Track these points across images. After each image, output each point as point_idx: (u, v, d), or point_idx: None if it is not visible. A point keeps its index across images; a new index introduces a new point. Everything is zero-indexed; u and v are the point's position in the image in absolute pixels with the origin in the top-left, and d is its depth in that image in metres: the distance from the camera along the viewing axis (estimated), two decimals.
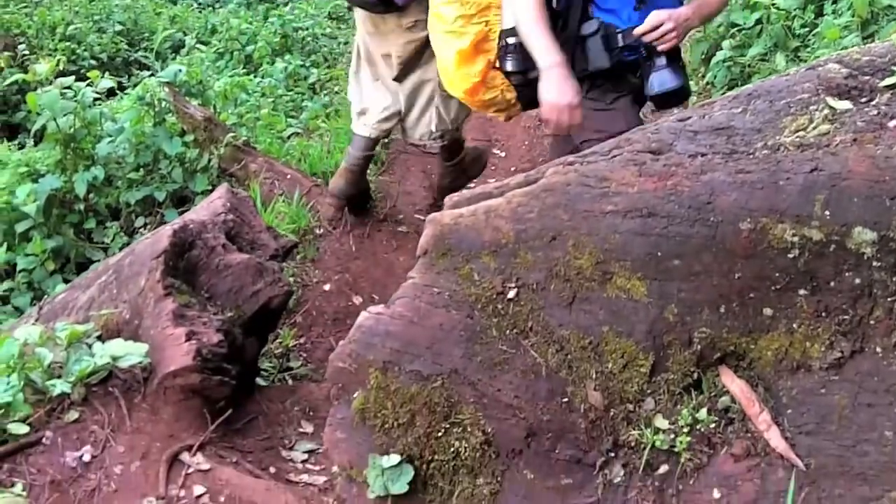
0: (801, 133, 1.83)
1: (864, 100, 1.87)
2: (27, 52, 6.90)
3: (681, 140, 1.93)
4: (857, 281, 1.71)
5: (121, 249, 3.57)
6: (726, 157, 1.83)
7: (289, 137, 5.15)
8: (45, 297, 2.94)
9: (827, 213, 1.69)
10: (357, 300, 3.69)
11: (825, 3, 4.72)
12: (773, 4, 4.89)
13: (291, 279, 3.51)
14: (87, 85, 4.14)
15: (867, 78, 1.92)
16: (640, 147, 1.94)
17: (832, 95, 1.89)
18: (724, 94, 3.95)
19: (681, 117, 2.03)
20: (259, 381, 2.65)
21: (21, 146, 5.29)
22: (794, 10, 4.87)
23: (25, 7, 7.74)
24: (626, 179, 1.86)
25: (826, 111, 1.85)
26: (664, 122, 2.03)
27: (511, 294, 1.88)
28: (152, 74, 6.43)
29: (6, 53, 6.71)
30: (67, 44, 7.06)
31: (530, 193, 1.93)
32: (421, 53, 3.79)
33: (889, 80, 1.87)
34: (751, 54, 4.90)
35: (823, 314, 1.74)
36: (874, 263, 1.69)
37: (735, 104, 1.99)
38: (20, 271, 3.77)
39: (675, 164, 1.85)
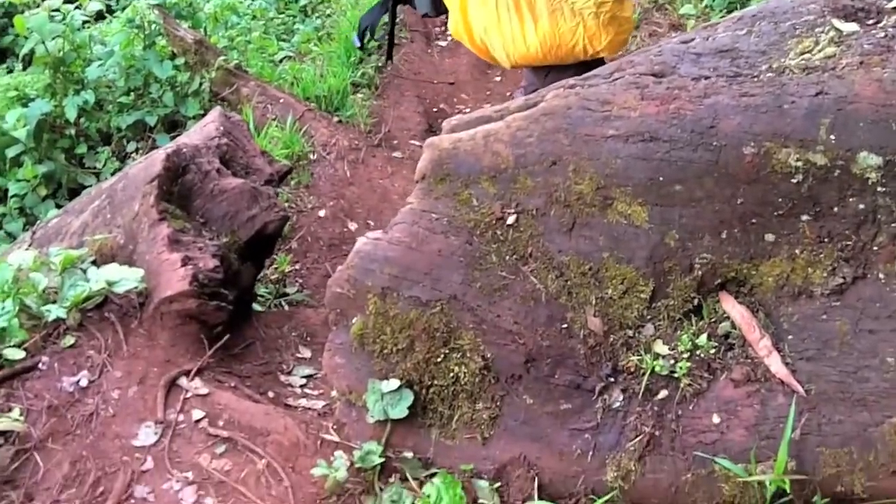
0: (806, 55, 1.79)
1: (870, 22, 1.84)
2: None
3: (684, 62, 1.89)
4: (861, 206, 1.69)
5: (112, 174, 3.53)
6: (730, 80, 1.80)
7: (280, 61, 5.07)
8: (38, 222, 2.91)
9: (832, 137, 1.67)
10: (352, 226, 3.66)
11: None
12: None
13: (286, 205, 3.49)
14: (76, 7, 4.07)
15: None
16: (643, 70, 1.91)
17: (838, 17, 1.85)
18: (723, 17, 3.88)
19: (684, 39, 1.99)
20: (255, 306, 2.64)
21: (10, 70, 5.21)
22: None
23: None
24: (627, 103, 1.83)
25: (832, 33, 1.82)
26: (667, 45, 1.99)
27: (510, 220, 1.86)
28: None
29: None
30: None
31: (530, 117, 1.90)
32: None
33: None
34: None
35: (826, 240, 1.72)
36: (879, 189, 1.67)
37: (739, 26, 1.95)
38: (12, 196, 3.74)
39: (678, 87, 1.82)
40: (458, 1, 2.67)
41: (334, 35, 5.44)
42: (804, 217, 1.72)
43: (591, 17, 2.51)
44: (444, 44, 6.10)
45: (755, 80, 1.78)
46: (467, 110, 4.89)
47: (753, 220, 1.75)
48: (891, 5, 1.84)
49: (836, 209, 1.71)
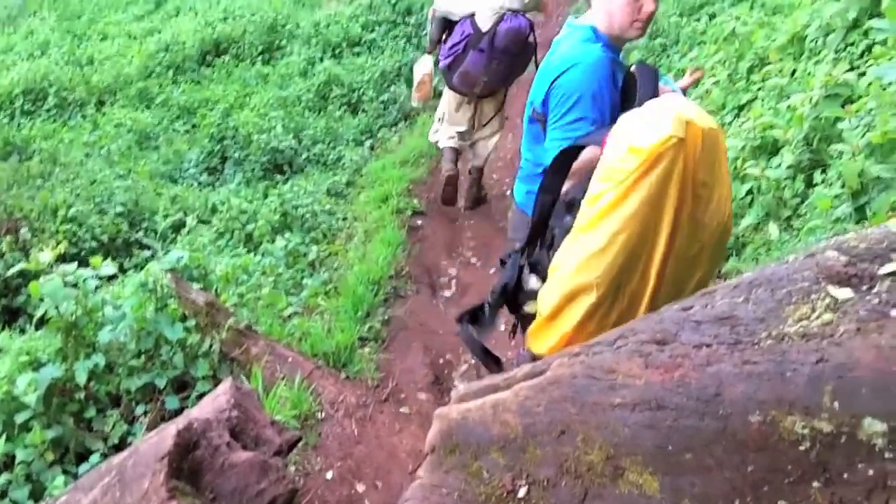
0: (804, 322, 1.84)
1: (864, 287, 1.89)
2: (29, 236, 7.00)
3: (685, 330, 1.94)
4: (871, 472, 1.68)
5: (120, 438, 3.53)
6: (731, 347, 1.84)
7: (289, 317, 5.17)
8: (45, 494, 2.89)
9: (836, 403, 1.68)
10: (360, 488, 3.62)
11: (814, 173, 4.83)
12: (764, 174, 5.00)
13: (293, 468, 3.46)
14: (89, 272, 4.19)
15: (866, 265, 1.94)
16: (645, 337, 1.95)
17: (833, 284, 1.91)
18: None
19: (683, 306, 2.04)
20: None
21: (22, 331, 5.31)
22: (784, 179, 4.98)
23: (28, 190, 7.90)
24: (632, 371, 1.86)
25: (828, 300, 1.87)
26: (667, 312, 2.04)
27: (521, 492, 1.85)
28: (153, 255, 6.52)
29: (8, 237, 6.81)
30: (69, 226, 7.16)
31: (537, 386, 1.92)
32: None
33: (888, 268, 1.90)
34: (744, 225, 4.99)
35: None
36: (886, 455, 1.67)
37: (736, 293, 2.01)
38: (19, 463, 3.71)
39: (681, 354, 1.86)
40: None
41: (341, 289, 5.58)
42: (815, 483, 1.71)
43: None
44: (448, 294, 6.23)
45: (756, 347, 1.81)
46: (473, 361, 4.95)
47: (765, 488, 1.73)
48: (883, 271, 1.90)
49: (845, 475, 1.70)
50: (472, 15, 6.33)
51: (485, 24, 6.27)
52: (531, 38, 6.33)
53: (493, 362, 2.94)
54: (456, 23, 6.50)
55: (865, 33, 5.21)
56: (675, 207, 2.51)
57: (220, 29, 12.90)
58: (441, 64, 6.82)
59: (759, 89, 6.05)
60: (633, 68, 2.91)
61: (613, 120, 2.94)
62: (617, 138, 2.57)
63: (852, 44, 5.36)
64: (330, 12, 12.73)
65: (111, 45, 13.81)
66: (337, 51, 11.75)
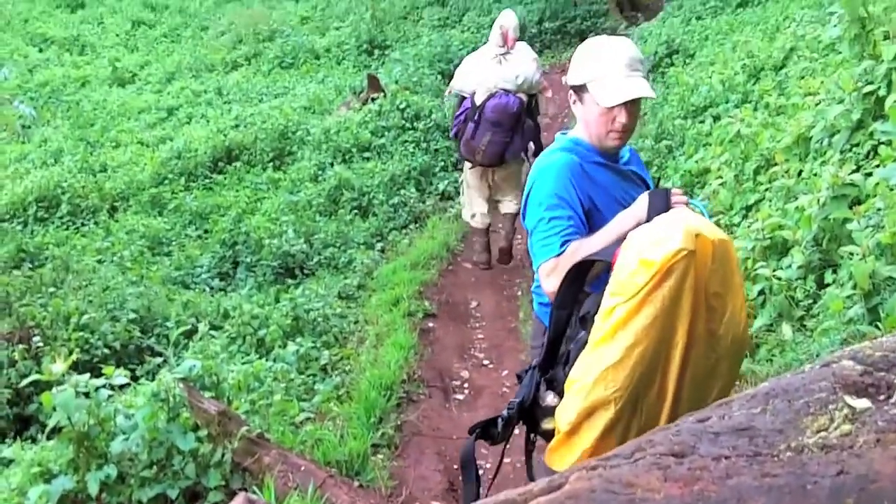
0: (823, 433, 1.83)
1: (882, 397, 1.89)
2: (41, 344, 7.01)
3: (703, 442, 1.92)
4: None
5: None
6: (750, 459, 1.82)
7: (301, 423, 5.14)
8: None
9: None
10: None
11: (826, 273, 4.85)
12: (775, 275, 5.01)
13: None
14: (102, 381, 4.20)
15: (882, 374, 1.94)
16: (663, 450, 1.94)
17: (850, 394, 1.90)
18: None
19: (700, 417, 2.04)
20: None
21: (33, 440, 5.29)
22: (796, 280, 5.00)
23: (41, 298, 7.94)
24: (651, 485, 1.84)
25: (846, 410, 1.86)
26: (684, 423, 2.03)
27: None
28: (165, 361, 6.51)
29: (21, 346, 6.82)
30: (81, 333, 7.17)
31: (555, 501, 1.90)
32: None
33: None
34: (757, 326, 4.98)
35: None
36: None
37: (754, 404, 2.00)
38: None
39: (700, 467, 1.84)
40: None
41: (354, 394, 5.56)
42: None
43: None
44: (461, 397, 6.20)
45: (776, 459, 1.80)
46: (488, 465, 4.90)
47: None
48: None
49: None
50: (473, 93, 7.57)
51: (480, 99, 7.50)
52: (523, 115, 7.56)
53: (475, 490, 2.95)
54: (465, 98, 7.72)
55: (870, 134, 5.27)
56: (689, 320, 2.52)
57: (231, 136, 13.10)
58: (451, 133, 8.14)
59: (767, 190, 6.11)
60: (646, 194, 2.96)
61: (598, 221, 3.10)
62: (627, 252, 2.60)
63: (857, 144, 5.42)
64: (340, 119, 12.94)
65: (124, 153, 14.03)
66: (347, 156, 11.90)
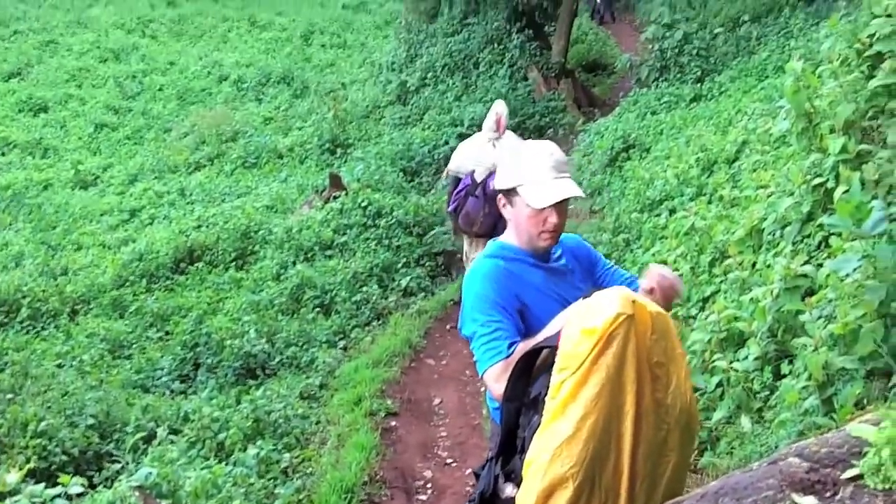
0: None
1: (828, 494, 1.90)
2: None
3: None
4: None
5: None
6: None
7: None
8: None
9: None
10: None
11: (782, 364, 4.89)
12: (732, 367, 5.04)
13: None
14: (58, 490, 4.11)
15: (828, 471, 1.96)
16: None
17: (797, 491, 1.92)
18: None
19: None
20: None
21: None
22: (753, 371, 5.03)
23: None
24: None
25: None
26: None
27: None
28: (124, 468, 6.40)
29: None
30: (39, 440, 7.03)
31: None
32: None
33: (850, 472, 1.91)
34: (716, 418, 4.99)
35: None
36: None
37: (704, 503, 2.01)
38: None
39: None
40: None
41: (315, 497, 5.48)
42: None
43: None
44: (424, 498, 6.13)
45: None
46: None
47: None
48: (845, 476, 1.92)
49: None
50: (473, 172, 8.33)
51: (480, 177, 8.25)
52: None
53: None
54: (461, 178, 8.47)
55: (820, 226, 5.37)
56: (636, 388, 2.56)
57: (193, 237, 13.10)
58: (449, 208, 8.62)
59: (722, 282, 6.18)
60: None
61: (531, 321, 3.18)
62: (569, 327, 2.65)
63: (808, 236, 5.51)
64: (302, 217, 13.00)
65: (85, 256, 13.97)
66: (309, 254, 11.92)
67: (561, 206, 3.26)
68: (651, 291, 3.16)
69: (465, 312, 3.27)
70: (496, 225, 8.06)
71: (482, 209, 8.29)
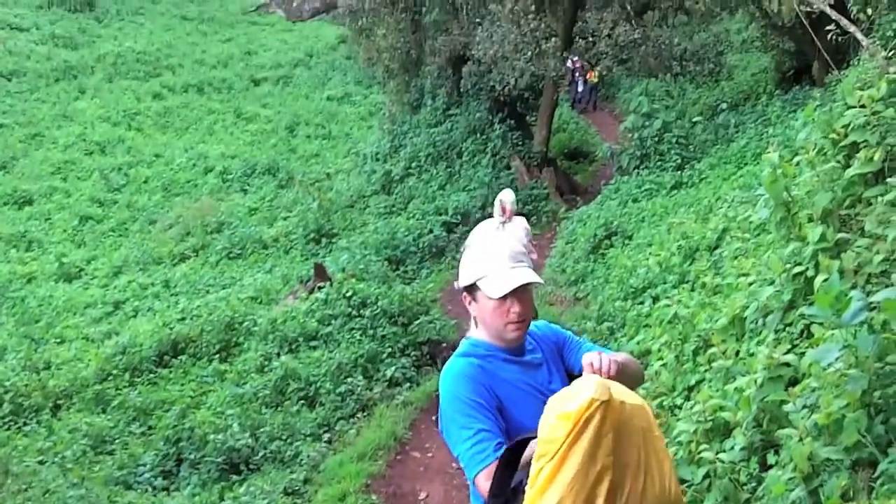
0: None
1: None
2: None
3: None
4: None
5: None
6: None
7: None
8: None
9: None
10: None
11: (768, 454, 4.86)
12: (718, 458, 5.01)
13: None
14: None
15: None
16: None
17: None
18: None
19: None
20: None
21: None
22: (739, 462, 4.99)
23: None
24: None
25: None
26: None
27: None
28: None
29: None
30: None
31: None
32: None
33: None
34: None
35: None
36: None
37: None
38: None
39: None
40: None
41: None
42: None
43: None
44: None
45: None
46: None
47: None
48: None
49: None
50: None
51: None
52: None
53: None
54: None
55: (802, 314, 5.40)
56: (612, 479, 2.54)
57: (177, 329, 13.08)
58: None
59: (706, 371, 6.18)
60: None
61: (509, 417, 3.17)
62: (547, 414, 2.65)
63: (790, 324, 5.54)
64: (287, 308, 12.99)
65: (68, 349, 13.89)
66: (294, 345, 11.89)
67: (523, 295, 3.26)
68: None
69: (445, 415, 3.24)
70: None
71: None
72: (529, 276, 3.26)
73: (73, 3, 37.54)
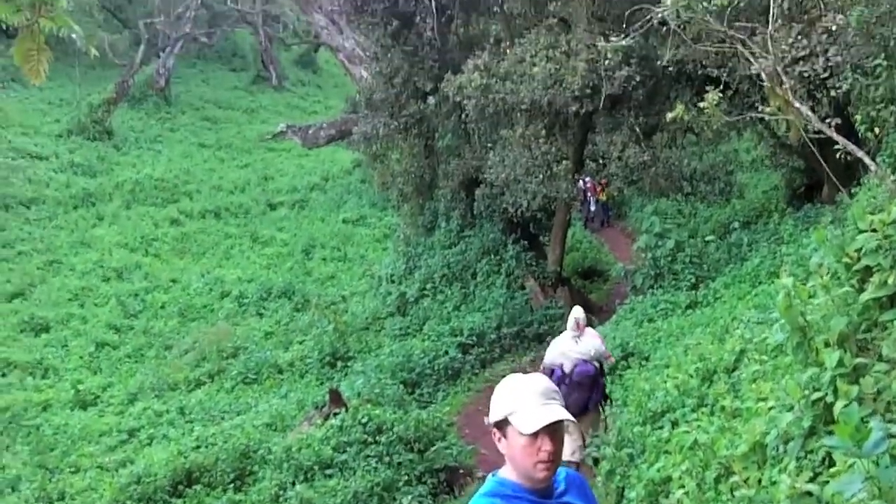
0: None
1: None
2: None
3: None
4: None
5: None
6: None
7: None
8: None
9: None
10: None
11: None
12: None
13: None
14: None
15: None
16: None
17: None
18: None
19: None
20: None
21: None
22: None
23: None
24: None
25: None
26: None
27: None
28: None
29: None
30: None
31: None
32: None
33: None
34: None
35: None
36: None
37: None
38: None
39: None
40: None
41: None
42: None
43: None
44: None
45: None
46: None
47: None
48: None
49: None
50: (562, 364, 10.60)
51: (568, 369, 10.57)
52: (598, 376, 10.81)
53: None
54: (554, 370, 10.57)
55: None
56: None
57: (192, 458, 12.95)
58: None
59: (729, 500, 6.06)
60: None
61: None
62: None
63: (812, 451, 5.45)
64: (302, 435, 12.89)
65: (83, 479, 13.81)
66: (309, 474, 11.75)
67: (554, 434, 3.23)
68: None
69: None
70: (586, 405, 10.66)
71: (570, 395, 10.07)
72: (561, 413, 3.23)
73: (92, 132, 38.17)
